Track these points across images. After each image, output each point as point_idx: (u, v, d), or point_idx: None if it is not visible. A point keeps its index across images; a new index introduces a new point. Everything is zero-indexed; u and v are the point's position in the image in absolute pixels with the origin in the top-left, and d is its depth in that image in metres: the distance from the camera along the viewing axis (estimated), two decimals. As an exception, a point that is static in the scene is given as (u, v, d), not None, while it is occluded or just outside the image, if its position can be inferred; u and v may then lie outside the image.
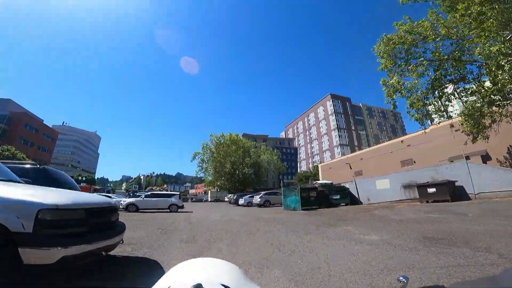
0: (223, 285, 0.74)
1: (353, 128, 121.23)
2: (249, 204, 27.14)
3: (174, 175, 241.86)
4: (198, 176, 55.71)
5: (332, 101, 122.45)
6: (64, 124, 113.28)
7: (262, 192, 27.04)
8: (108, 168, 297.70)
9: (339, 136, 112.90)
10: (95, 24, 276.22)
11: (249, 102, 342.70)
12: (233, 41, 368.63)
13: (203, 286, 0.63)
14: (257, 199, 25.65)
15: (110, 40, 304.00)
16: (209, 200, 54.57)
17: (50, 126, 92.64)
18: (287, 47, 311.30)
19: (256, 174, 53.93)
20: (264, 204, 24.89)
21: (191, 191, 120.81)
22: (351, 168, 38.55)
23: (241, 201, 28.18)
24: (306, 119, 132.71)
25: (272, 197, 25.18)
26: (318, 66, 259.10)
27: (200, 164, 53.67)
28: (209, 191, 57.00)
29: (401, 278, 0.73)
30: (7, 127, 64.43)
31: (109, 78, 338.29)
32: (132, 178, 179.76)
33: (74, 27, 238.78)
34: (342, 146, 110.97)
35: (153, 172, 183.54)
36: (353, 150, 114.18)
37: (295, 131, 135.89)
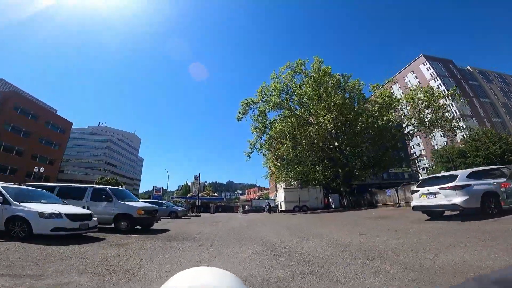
0: None
1: (471, 94, 77.96)
2: None
3: (225, 183, 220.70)
4: (252, 151, 23.61)
5: (430, 63, 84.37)
6: (100, 124, 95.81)
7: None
8: (166, 179, 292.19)
9: (453, 105, 71.03)
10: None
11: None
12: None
13: None
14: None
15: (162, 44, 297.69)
16: (284, 208, 22.16)
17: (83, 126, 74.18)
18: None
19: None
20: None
21: (242, 197, 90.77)
22: None
23: None
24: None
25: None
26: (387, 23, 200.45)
27: (259, 122, 21.90)
28: (283, 189, 24.70)
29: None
30: (-13, 110, 43.50)
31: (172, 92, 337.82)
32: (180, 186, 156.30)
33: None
34: (465, 117, 69.11)
35: (206, 181, 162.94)
36: (481, 123, 71.25)
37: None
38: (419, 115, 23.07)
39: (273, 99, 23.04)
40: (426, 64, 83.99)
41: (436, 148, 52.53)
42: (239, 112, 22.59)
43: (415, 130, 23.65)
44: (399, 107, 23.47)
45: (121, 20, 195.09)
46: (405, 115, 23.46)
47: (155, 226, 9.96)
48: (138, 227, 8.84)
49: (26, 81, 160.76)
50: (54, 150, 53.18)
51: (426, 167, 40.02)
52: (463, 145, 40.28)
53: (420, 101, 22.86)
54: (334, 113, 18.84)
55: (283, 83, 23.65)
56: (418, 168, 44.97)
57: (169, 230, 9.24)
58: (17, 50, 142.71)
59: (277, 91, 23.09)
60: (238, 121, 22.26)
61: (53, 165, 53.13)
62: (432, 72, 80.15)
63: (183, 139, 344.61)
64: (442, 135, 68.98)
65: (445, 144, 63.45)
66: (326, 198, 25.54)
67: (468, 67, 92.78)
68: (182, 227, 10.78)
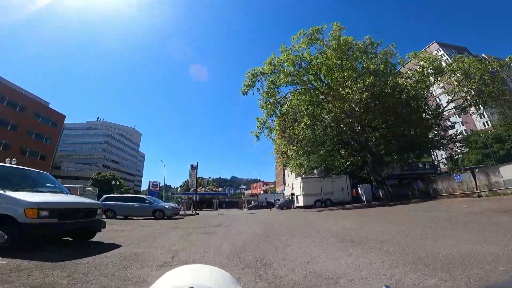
0: None
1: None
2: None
3: (229, 178, 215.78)
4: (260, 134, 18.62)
5: (443, 50, 79.23)
6: (99, 119, 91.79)
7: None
8: (173, 176, 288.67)
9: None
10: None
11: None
12: None
13: None
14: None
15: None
16: (302, 203, 17.52)
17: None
18: None
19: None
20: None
21: (247, 192, 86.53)
22: None
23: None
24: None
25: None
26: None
27: (269, 95, 17.10)
28: (300, 179, 19.79)
29: (383, 287, 0.68)
30: (-34, 100, 39.66)
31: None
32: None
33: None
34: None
35: (209, 177, 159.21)
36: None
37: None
38: (469, 87, 18.40)
39: (285, 70, 18.43)
40: (440, 51, 78.85)
41: (454, 136, 46.45)
42: (244, 85, 17.91)
43: (466, 104, 18.84)
44: (446, 77, 18.57)
45: (121, 17, 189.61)
46: (454, 86, 18.63)
47: (108, 235, 5.42)
48: (70, 238, 4.32)
49: (21, 76, 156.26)
50: (45, 145, 49.52)
51: (449, 156, 34.94)
52: (496, 130, 35.30)
53: (471, 70, 18.14)
54: (371, 77, 14.07)
55: (296, 54, 18.95)
56: (437, 157, 38.95)
57: (119, 246, 4.72)
58: (15, 47, 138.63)
59: (290, 61, 18.44)
60: (244, 94, 17.64)
61: (45, 161, 49.21)
62: (447, 59, 74.78)
63: (187, 134, 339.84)
64: (461, 123, 63.32)
65: (464, 131, 57.75)
66: (355, 189, 20.73)
67: (483, 55, 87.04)
68: (151, 238, 6.15)
